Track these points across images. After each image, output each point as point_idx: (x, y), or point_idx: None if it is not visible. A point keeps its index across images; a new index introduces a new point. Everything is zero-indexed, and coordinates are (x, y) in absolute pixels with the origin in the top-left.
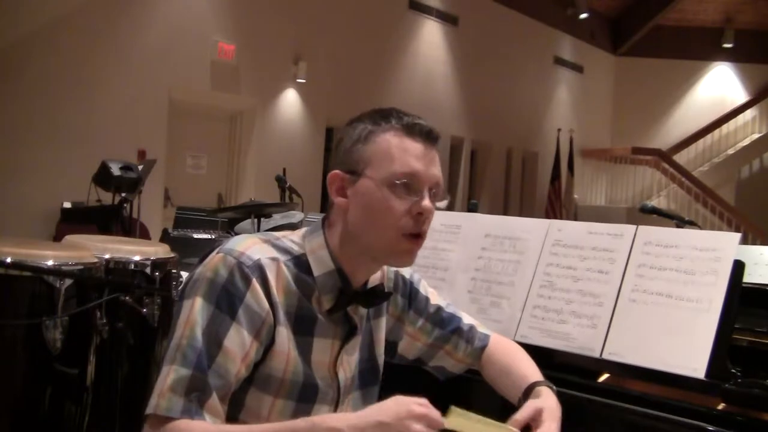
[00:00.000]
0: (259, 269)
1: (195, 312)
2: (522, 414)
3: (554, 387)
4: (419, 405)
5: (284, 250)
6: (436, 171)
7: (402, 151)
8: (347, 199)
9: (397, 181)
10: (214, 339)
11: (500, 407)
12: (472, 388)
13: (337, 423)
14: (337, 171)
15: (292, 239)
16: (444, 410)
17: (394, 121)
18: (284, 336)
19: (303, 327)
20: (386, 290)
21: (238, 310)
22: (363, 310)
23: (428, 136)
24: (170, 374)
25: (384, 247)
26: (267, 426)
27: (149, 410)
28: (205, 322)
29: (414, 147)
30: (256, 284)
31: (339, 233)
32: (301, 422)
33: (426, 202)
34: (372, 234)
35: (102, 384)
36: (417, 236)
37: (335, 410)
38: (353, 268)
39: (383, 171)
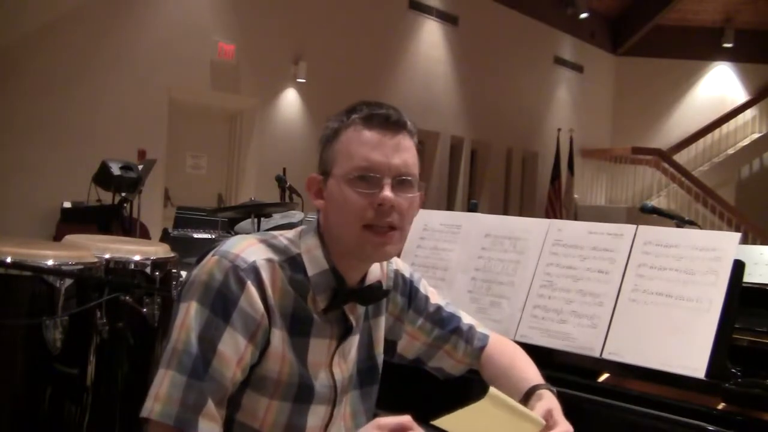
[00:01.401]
0: (255, 272)
1: (190, 316)
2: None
3: (555, 389)
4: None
5: (280, 251)
6: (400, 158)
7: (359, 145)
8: (324, 200)
9: (354, 176)
10: (209, 344)
11: None
12: (472, 388)
13: None
14: (313, 175)
15: (288, 238)
16: (443, 409)
17: (355, 114)
18: (279, 338)
19: (299, 328)
20: (385, 288)
21: (233, 314)
22: (361, 309)
23: (387, 122)
24: (166, 379)
25: (353, 242)
26: None
27: (144, 413)
28: (200, 327)
29: (371, 137)
30: (251, 287)
31: (326, 234)
32: None
33: (385, 193)
34: (342, 231)
35: (102, 384)
36: (382, 229)
37: (333, 410)
38: (345, 266)
39: (343, 168)
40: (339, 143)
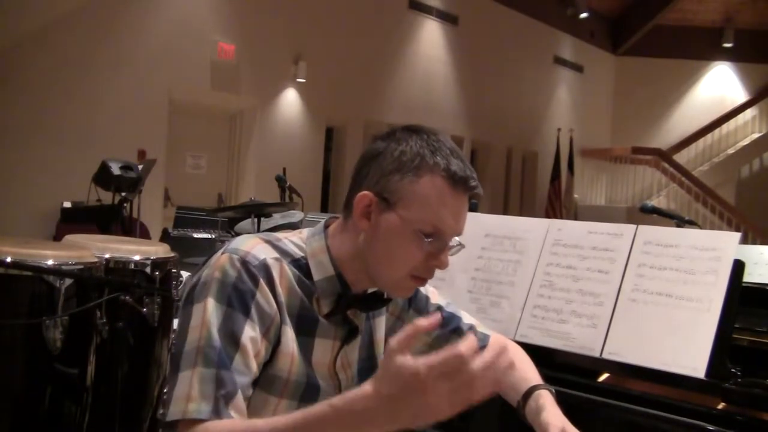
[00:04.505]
0: (265, 269)
1: (209, 313)
2: None
3: (553, 390)
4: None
5: (285, 252)
6: (463, 223)
7: (440, 204)
8: (369, 222)
9: (424, 231)
10: (231, 337)
11: (500, 408)
12: None
13: (368, 403)
14: (368, 193)
15: (293, 241)
16: None
17: (441, 162)
18: (289, 336)
19: (305, 327)
20: (389, 297)
21: (251, 306)
22: (364, 312)
23: (471, 189)
24: (194, 377)
25: (389, 281)
26: (292, 418)
27: (176, 416)
28: (219, 322)
29: (453, 202)
30: (263, 283)
31: (348, 247)
32: (326, 409)
33: (445, 258)
34: (382, 268)
35: (102, 384)
36: (424, 279)
37: None
38: (355, 278)
39: (415, 216)
40: (417, 186)
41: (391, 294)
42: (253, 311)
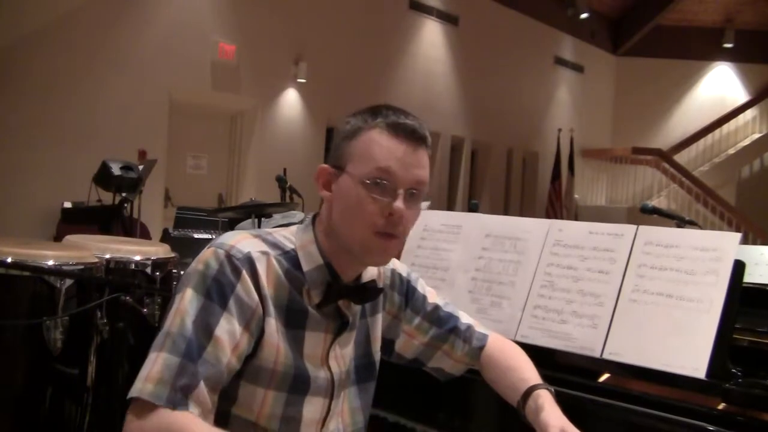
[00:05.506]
0: (249, 262)
1: (185, 302)
2: None
3: (553, 390)
4: None
5: (274, 245)
6: (417, 172)
7: (381, 150)
8: (331, 193)
9: (370, 180)
10: (204, 329)
11: (500, 408)
12: (472, 388)
13: None
14: (324, 166)
15: (283, 235)
16: (443, 410)
17: (380, 118)
18: (273, 327)
19: (294, 320)
20: (381, 287)
21: (229, 300)
22: (356, 306)
23: (412, 136)
24: (158, 360)
25: (357, 243)
26: None
27: (134, 393)
28: (195, 312)
29: (395, 147)
30: (245, 276)
31: (324, 228)
32: None
33: (398, 204)
34: (347, 230)
35: (102, 384)
36: (390, 236)
37: (330, 403)
38: (341, 263)
39: (360, 168)
40: (360, 142)
41: (367, 261)
42: (232, 304)
